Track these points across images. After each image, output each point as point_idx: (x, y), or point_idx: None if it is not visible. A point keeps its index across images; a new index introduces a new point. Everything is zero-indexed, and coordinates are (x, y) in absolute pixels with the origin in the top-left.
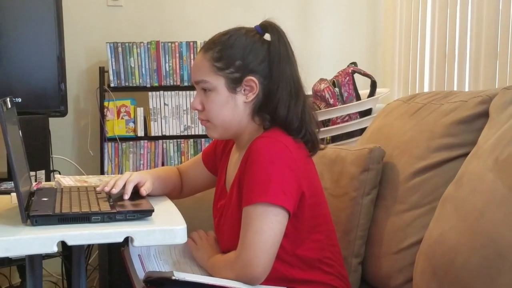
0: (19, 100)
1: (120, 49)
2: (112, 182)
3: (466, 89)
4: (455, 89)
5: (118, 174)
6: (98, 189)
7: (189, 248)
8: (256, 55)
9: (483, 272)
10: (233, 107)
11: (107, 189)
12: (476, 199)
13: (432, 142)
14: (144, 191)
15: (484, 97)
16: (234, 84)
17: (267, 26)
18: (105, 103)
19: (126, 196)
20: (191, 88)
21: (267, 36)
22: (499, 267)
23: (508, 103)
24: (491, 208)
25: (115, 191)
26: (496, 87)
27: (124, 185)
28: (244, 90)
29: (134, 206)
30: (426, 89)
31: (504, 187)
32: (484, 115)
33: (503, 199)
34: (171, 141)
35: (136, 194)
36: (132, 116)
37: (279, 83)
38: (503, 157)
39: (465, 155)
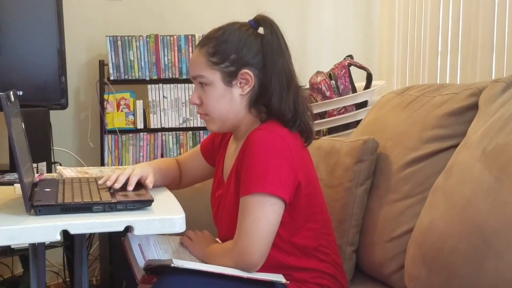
0: (21, 93)
1: (119, 42)
2: (114, 176)
3: (464, 81)
4: (449, 81)
5: (118, 166)
6: (99, 182)
7: (186, 244)
8: (250, 49)
9: (470, 258)
10: (230, 100)
11: (109, 183)
12: (464, 188)
13: (424, 133)
14: (150, 183)
15: (474, 90)
16: (230, 77)
17: (260, 20)
18: (105, 96)
19: (130, 188)
20: (189, 81)
21: (260, 30)
22: (485, 253)
23: (496, 96)
24: (478, 197)
25: (117, 186)
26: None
27: (127, 180)
28: (239, 83)
29: (134, 196)
30: (423, 82)
31: (491, 177)
32: (474, 107)
33: (489, 188)
34: (170, 133)
35: (136, 184)
36: (131, 108)
37: (272, 75)
38: (490, 148)
39: (456, 146)
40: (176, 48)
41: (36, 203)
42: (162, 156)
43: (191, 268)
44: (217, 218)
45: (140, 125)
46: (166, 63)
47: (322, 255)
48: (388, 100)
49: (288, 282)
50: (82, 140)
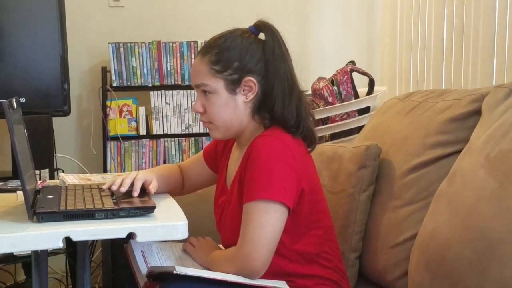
0: (23, 100)
1: (122, 49)
2: (119, 180)
3: (466, 87)
4: (450, 87)
5: (121, 172)
6: (104, 187)
7: (188, 251)
8: (252, 56)
9: (474, 265)
10: (234, 108)
11: (114, 187)
12: (468, 195)
13: (427, 139)
14: (152, 189)
15: (477, 95)
16: (233, 85)
17: (261, 26)
18: (108, 103)
19: (136, 193)
20: (192, 87)
21: (261, 36)
22: (489, 260)
23: (499, 101)
24: (482, 203)
25: (123, 189)
26: (494, 84)
27: (132, 183)
28: (243, 91)
29: (137, 203)
30: (425, 87)
31: (495, 183)
32: (477, 113)
33: (493, 194)
34: (172, 139)
35: (139, 190)
36: (134, 115)
37: (275, 81)
38: (493, 153)
39: (459, 152)
40: (178, 54)
41: (39, 210)
42: (164, 162)
43: (193, 275)
44: (220, 224)
45: (142, 132)
46: (169, 69)
47: (325, 262)
48: (390, 106)
49: None
50: (84, 147)
